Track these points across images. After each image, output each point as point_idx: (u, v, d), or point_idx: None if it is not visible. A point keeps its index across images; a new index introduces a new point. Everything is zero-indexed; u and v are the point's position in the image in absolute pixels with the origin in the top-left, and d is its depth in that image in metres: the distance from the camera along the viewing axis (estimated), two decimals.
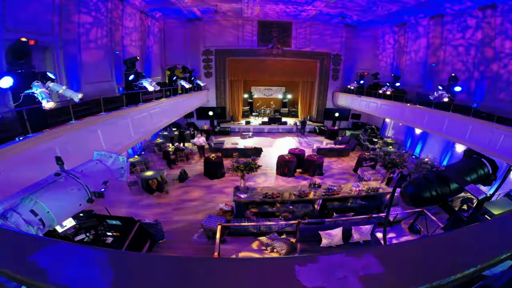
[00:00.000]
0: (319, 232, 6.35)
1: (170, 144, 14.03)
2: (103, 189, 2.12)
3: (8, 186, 3.67)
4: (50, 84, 4.69)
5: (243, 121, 19.52)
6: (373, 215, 7.35)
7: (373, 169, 11.26)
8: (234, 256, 6.40)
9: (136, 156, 11.98)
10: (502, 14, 9.82)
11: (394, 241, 7.22)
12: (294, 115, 21.52)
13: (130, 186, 9.56)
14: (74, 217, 5.42)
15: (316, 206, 8.17)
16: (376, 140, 15.41)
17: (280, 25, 17.44)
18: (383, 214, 7.64)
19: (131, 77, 8.68)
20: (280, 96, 22.27)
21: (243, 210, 7.75)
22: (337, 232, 6.38)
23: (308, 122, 19.24)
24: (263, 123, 19.38)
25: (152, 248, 6.64)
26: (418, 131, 13.99)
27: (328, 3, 13.08)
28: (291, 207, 8.00)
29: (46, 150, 4.63)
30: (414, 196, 1.68)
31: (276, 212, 7.87)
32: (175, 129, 15.44)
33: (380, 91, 13.98)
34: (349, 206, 8.27)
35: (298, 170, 11.82)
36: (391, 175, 9.71)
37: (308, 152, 13.12)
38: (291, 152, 12.26)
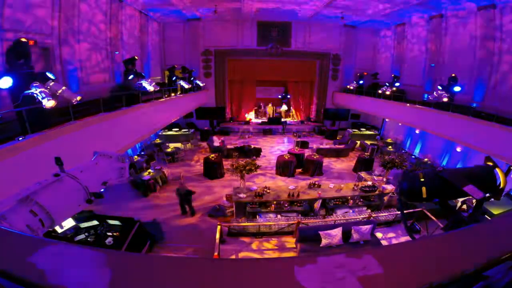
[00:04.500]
0: (319, 232, 6.34)
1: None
2: (102, 190, 2.11)
3: (7, 186, 3.66)
4: (51, 84, 4.68)
5: (242, 121, 19.50)
6: (373, 215, 7.36)
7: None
8: (233, 257, 6.40)
9: (136, 156, 11.96)
10: (501, 14, 9.83)
11: (394, 241, 7.23)
12: (293, 115, 21.48)
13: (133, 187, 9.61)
14: (73, 218, 5.42)
15: (316, 206, 8.17)
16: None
17: (279, 25, 17.40)
18: (383, 214, 7.66)
19: (130, 77, 8.66)
20: (279, 96, 22.21)
21: (243, 210, 7.74)
22: (337, 232, 6.37)
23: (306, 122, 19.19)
24: (263, 123, 19.37)
25: (152, 248, 6.64)
26: (417, 131, 13.99)
27: (328, 3, 13.07)
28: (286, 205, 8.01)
29: (45, 150, 4.62)
30: (409, 191, 1.69)
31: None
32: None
33: (380, 91, 13.97)
34: (349, 206, 8.26)
35: (298, 170, 11.81)
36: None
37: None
38: (291, 152, 12.25)
